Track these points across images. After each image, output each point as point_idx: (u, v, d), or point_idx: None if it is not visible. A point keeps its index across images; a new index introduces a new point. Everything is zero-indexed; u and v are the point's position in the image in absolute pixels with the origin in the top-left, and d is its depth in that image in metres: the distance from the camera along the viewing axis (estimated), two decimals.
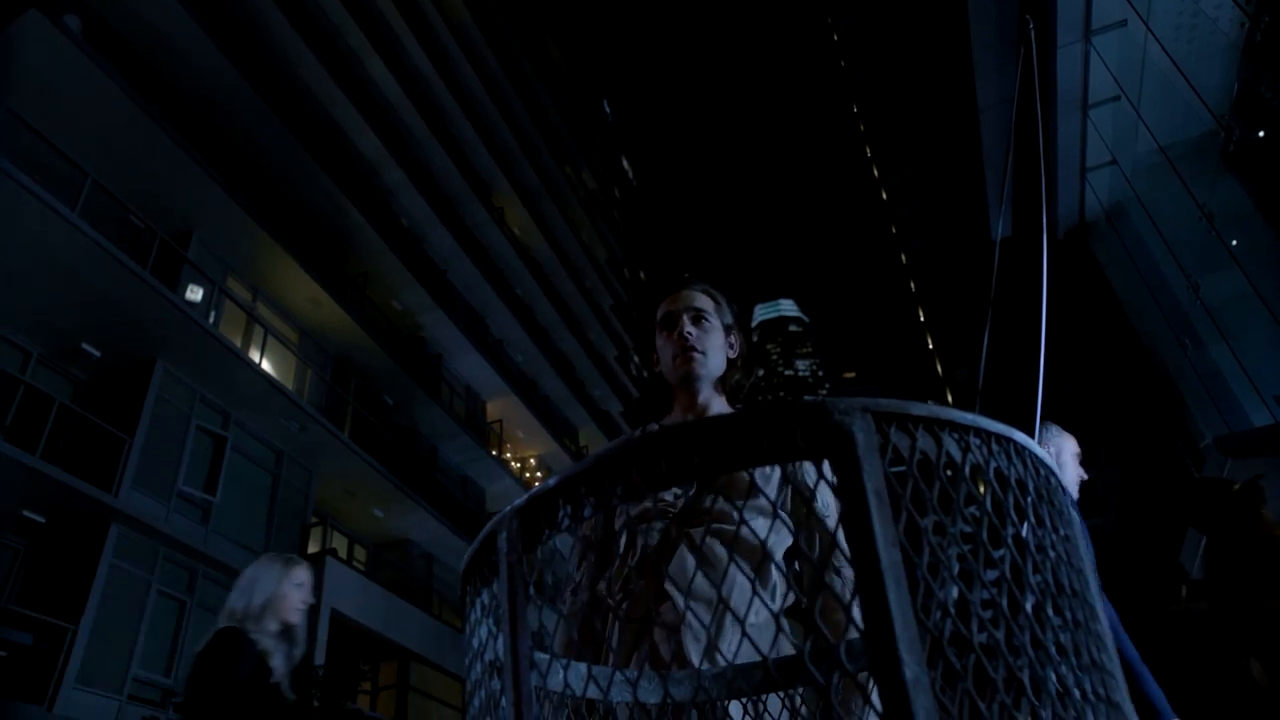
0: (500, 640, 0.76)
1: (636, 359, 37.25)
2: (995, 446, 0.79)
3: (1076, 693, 0.70)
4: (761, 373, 1.94)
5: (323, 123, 16.91)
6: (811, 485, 1.41)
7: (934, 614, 0.68)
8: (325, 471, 15.76)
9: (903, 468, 0.73)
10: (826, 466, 0.71)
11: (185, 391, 13.23)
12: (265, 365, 14.83)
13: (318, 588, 14.06)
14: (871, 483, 0.70)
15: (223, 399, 13.81)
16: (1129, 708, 0.77)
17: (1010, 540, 0.74)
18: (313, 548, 15.38)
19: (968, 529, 0.75)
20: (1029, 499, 0.79)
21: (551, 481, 0.79)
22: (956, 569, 0.72)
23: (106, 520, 11.18)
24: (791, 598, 1.49)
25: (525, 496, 0.80)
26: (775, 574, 1.49)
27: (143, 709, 10.09)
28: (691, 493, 1.55)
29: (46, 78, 11.22)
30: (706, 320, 1.76)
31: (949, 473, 0.76)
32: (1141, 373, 12.30)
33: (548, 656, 1.10)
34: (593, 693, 1.12)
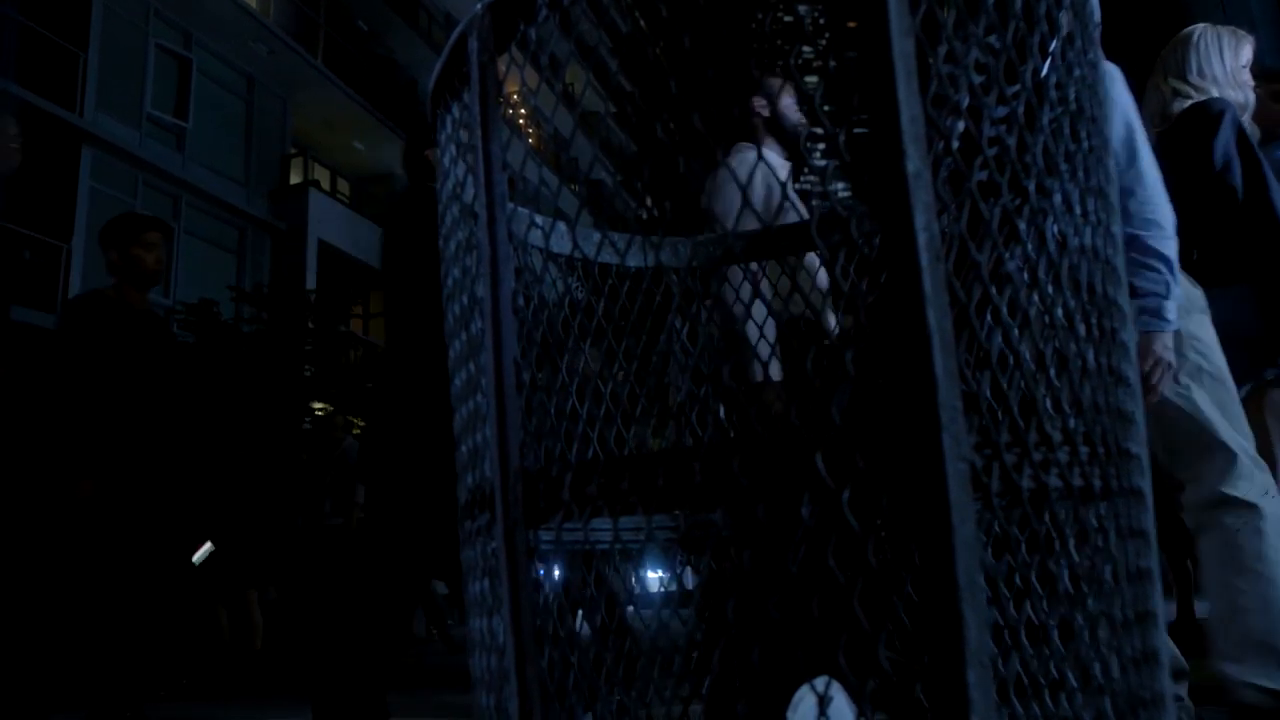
0: (476, 149, 0.71)
1: None
2: None
3: (1078, 209, 0.68)
4: None
5: None
6: None
7: (945, 115, 0.63)
8: (301, 101, 15.11)
9: None
10: None
11: (137, 5, 12.24)
12: None
13: (302, 219, 14.19)
14: None
15: (181, 16, 12.85)
16: (1119, 238, 0.75)
17: (1036, 48, 0.67)
18: (294, 179, 15.24)
19: (992, 40, 0.68)
20: (1063, 13, 0.71)
21: None
22: (976, 78, 0.65)
23: (77, 142, 10.92)
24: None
25: None
26: None
27: None
28: None
29: None
30: None
31: None
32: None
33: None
34: (562, 248, 1.11)
